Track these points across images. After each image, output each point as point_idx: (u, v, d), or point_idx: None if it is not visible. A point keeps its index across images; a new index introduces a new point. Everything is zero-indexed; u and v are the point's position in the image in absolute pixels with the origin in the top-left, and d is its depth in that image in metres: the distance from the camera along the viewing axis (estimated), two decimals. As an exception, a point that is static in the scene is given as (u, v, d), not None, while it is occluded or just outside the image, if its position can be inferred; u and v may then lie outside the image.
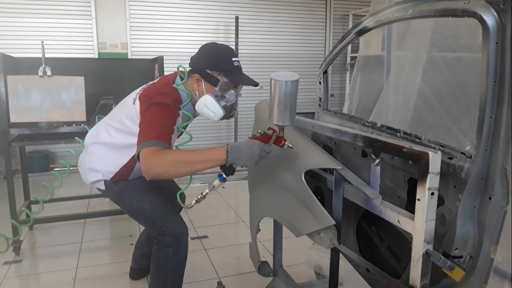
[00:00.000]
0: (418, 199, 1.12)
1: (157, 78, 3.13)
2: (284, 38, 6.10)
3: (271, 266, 2.21)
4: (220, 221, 3.48)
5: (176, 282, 1.93)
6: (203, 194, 1.58)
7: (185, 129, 1.84)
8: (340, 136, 1.49)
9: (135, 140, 1.61)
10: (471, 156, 1.16)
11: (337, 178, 1.47)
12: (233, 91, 1.72)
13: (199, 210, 3.69)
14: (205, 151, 1.48)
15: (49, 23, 5.04)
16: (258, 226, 1.96)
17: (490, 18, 1.09)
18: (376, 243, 1.74)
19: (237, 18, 5.49)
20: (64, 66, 3.04)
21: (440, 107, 2.89)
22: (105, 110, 2.68)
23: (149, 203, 1.86)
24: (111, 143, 1.87)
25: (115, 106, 2.15)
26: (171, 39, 5.46)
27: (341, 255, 1.60)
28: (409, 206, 1.34)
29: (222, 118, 1.74)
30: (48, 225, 3.31)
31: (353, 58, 6.23)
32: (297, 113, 1.48)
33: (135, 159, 1.61)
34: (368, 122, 1.72)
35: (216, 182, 1.53)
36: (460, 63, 2.95)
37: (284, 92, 1.36)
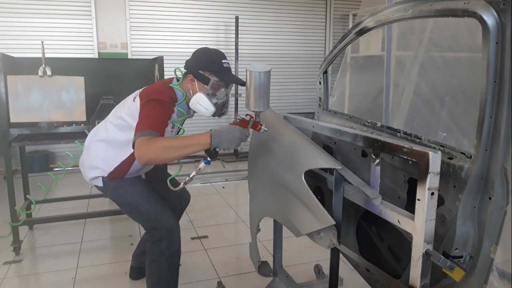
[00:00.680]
0: (418, 199, 1.12)
1: (157, 78, 3.16)
2: (284, 38, 6.10)
3: (271, 266, 2.21)
4: (220, 221, 3.48)
5: (171, 274, 1.98)
6: (191, 176, 1.73)
7: (181, 125, 1.98)
8: (340, 136, 1.49)
9: (133, 136, 1.74)
10: (471, 156, 1.16)
11: (337, 178, 1.47)
12: (223, 90, 1.87)
13: (199, 210, 3.70)
14: (192, 137, 1.62)
15: (49, 23, 5.04)
16: (258, 226, 1.96)
17: (490, 18, 1.09)
18: (376, 243, 1.74)
19: (237, 18, 5.49)
20: (64, 66, 3.03)
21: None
22: (105, 110, 2.68)
23: (143, 198, 1.95)
24: (111, 139, 1.95)
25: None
26: (171, 39, 5.46)
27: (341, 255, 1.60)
28: (409, 206, 1.34)
29: (214, 115, 1.88)
30: (48, 225, 3.31)
31: (353, 58, 6.23)
32: (297, 113, 1.55)
33: (133, 156, 1.73)
34: (368, 122, 1.72)
35: (202, 165, 1.70)
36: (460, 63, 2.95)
37: (258, 82, 1.55)
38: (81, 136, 2.18)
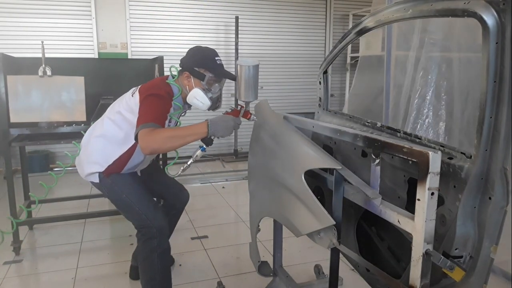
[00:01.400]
0: (418, 199, 1.12)
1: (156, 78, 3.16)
2: (284, 38, 6.10)
3: (271, 266, 2.21)
4: (220, 221, 3.48)
5: (164, 270, 2.04)
6: (188, 163, 1.85)
7: (179, 118, 2.10)
8: (340, 136, 1.49)
9: (130, 132, 1.89)
10: (471, 156, 1.16)
11: (337, 178, 1.47)
12: (217, 85, 1.98)
13: (199, 210, 3.70)
14: (190, 127, 1.76)
15: (49, 23, 5.04)
16: (258, 226, 1.96)
17: (490, 18, 1.09)
18: (376, 243, 1.74)
19: (237, 18, 5.49)
20: (64, 66, 3.03)
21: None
22: (105, 110, 2.67)
23: (137, 197, 2.01)
24: (108, 134, 2.00)
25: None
26: (171, 39, 5.46)
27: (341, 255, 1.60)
28: (409, 206, 1.34)
29: (209, 109, 2.01)
30: (48, 225, 3.31)
31: (353, 58, 6.23)
32: (297, 113, 1.58)
33: (131, 151, 1.94)
34: (368, 122, 1.72)
35: (199, 152, 1.83)
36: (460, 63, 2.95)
37: (248, 75, 1.74)
38: (81, 136, 2.19)
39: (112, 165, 1.98)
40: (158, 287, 2.03)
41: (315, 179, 1.67)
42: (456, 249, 1.20)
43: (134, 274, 2.50)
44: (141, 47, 5.41)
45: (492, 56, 1.09)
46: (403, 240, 1.53)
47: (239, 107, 1.86)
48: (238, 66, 1.76)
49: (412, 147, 1.14)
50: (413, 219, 1.15)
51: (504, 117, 1.08)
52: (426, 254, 1.12)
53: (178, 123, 2.08)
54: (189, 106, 2.07)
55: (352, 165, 1.62)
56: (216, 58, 1.97)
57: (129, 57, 5.34)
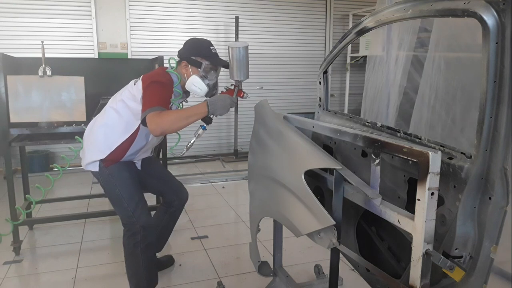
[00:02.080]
0: (418, 199, 1.12)
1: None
2: (284, 38, 6.10)
3: (271, 266, 2.21)
4: (220, 221, 3.48)
5: (147, 263, 2.12)
6: (191, 142, 2.04)
7: (179, 104, 2.22)
8: (340, 136, 1.49)
9: (132, 119, 2.02)
10: (471, 156, 1.16)
11: (337, 178, 1.47)
12: (213, 72, 2.11)
13: (199, 210, 3.70)
14: (192, 108, 1.91)
15: (49, 23, 5.04)
16: (258, 226, 1.96)
17: (490, 18, 1.09)
18: (376, 243, 1.74)
19: (237, 18, 5.49)
20: (64, 66, 3.03)
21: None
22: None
23: (128, 193, 2.09)
24: (110, 122, 2.08)
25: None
26: (171, 39, 5.46)
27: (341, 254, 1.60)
28: (409, 206, 1.34)
29: (206, 95, 2.12)
30: (48, 225, 3.31)
31: (353, 58, 6.23)
32: (297, 113, 1.57)
33: (133, 138, 2.05)
34: (368, 122, 1.72)
35: (200, 131, 2.01)
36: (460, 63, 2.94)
37: (239, 55, 1.91)
38: (81, 135, 2.20)
39: (114, 151, 2.05)
40: (143, 280, 2.13)
41: (315, 179, 1.67)
42: (456, 249, 1.20)
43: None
44: (141, 47, 5.41)
45: (492, 56, 1.09)
46: (403, 240, 1.53)
47: (233, 86, 2.05)
48: (230, 48, 1.90)
49: (412, 147, 1.14)
50: (413, 219, 1.15)
51: (504, 117, 1.08)
52: (426, 254, 1.12)
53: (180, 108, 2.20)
54: (188, 94, 2.19)
55: (352, 165, 1.62)
56: (211, 47, 2.11)
57: (129, 57, 5.34)
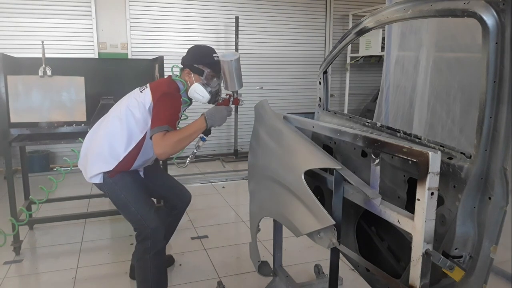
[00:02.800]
0: (418, 199, 1.12)
1: (157, 78, 3.17)
2: (284, 38, 6.10)
3: (271, 266, 2.21)
4: (220, 221, 3.48)
5: (157, 271, 2.08)
6: (193, 153, 2.15)
7: (183, 111, 2.23)
8: (340, 136, 1.49)
9: (136, 129, 2.02)
10: (470, 156, 1.16)
11: (337, 178, 1.47)
12: (215, 80, 2.11)
13: (199, 210, 3.70)
14: (192, 125, 1.97)
15: (49, 23, 5.04)
16: (258, 226, 1.96)
17: (490, 18, 1.09)
18: (376, 243, 1.74)
19: (237, 18, 5.49)
20: (64, 66, 3.03)
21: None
22: (105, 110, 2.66)
23: (134, 197, 2.07)
24: (115, 132, 2.04)
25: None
26: (171, 39, 5.46)
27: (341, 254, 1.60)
28: (409, 206, 1.34)
29: (209, 102, 2.13)
30: (48, 225, 3.31)
31: (353, 58, 6.23)
32: (297, 113, 1.59)
33: (139, 147, 2.05)
34: (368, 122, 1.72)
35: (200, 142, 2.09)
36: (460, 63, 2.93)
37: (231, 68, 1.96)
38: (82, 136, 2.20)
39: (121, 162, 2.02)
40: None
41: (315, 179, 1.67)
42: (456, 249, 1.20)
43: (134, 273, 2.49)
44: (141, 47, 5.41)
45: (492, 56, 1.09)
46: (403, 240, 1.53)
47: (227, 96, 2.09)
48: (221, 62, 1.96)
49: (412, 147, 1.14)
50: (413, 219, 1.15)
51: (504, 117, 1.08)
52: (426, 254, 1.12)
53: (185, 117, 2.24)
54: (191, 100, 2.18)
55: (352, 165, 1.62)
56: (214, 55, 2.10)
57: (129, 57, 5.34)
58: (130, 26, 5.36)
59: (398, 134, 1.49)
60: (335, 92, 6.57)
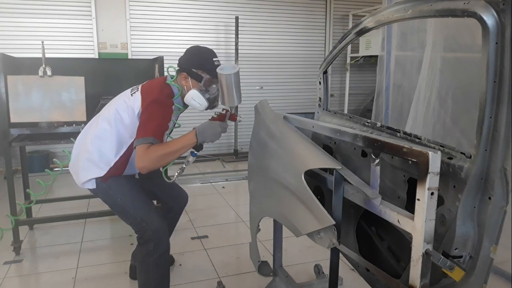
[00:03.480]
0: (418, 199, 1.12)
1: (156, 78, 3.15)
2: (284, 38, 6.10)
3: (271, 266, 2.21)
4: (220, 221, 3.48)
5: (159, 275, 2.00)
6: (182, 168, 1.95)
7: (176, 119, 2.10)
8: (340, 136, 1.49)
9: (124, 133, 1.93)
10: (470, 156, 1.16)
11: (337, 178, 1.47)
12: (214, 86, 1.98)
13: (199, 210, 3.70)
14: (180, 140, 1.83)
15: (49, 23, 5.04)
16: (258, 226, 1.96)
17: (490, 18, 1.09)
18: (376, 243, 1.74)
19: (237, 18, 5.49)
20: (64, 66, 3.04)
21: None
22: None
23: (131, 199, 2.00)
24: (104, 136, 1.97)
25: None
26: (171, 39, 5.46)
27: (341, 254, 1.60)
28: (409, 206, 1.34)
29: (206, 109, 2.02)
30: (48, 225, 3.31)
31: (353, 58, 6.23)
32: (297, 113, 1.57)
33: (130, 151, 1.95)
34: (368, 122, 1.72)
35: (190, 158, 1.93)
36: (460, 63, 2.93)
37: (230, 82, 1.78)
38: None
39: (113, 167, 1.96)
40: None
41: (315, 179, 1.67)
42: (456, 249, 1.20)
43: (134, 273, 2.49)
44: (141, 47, 5.41)
45: (492, 56, 1.09)
46: (403, 240, 1.53)
47: (224, 111, 1.91)
48: (219, 74, 1.78)
49: (412, 147, 1.14)
50: (413, 219, 1.15)
51: (504, 117, 1.08)
52: (426, 254, 1.12)
53: (178, 125, 2.11)
54: (187, 106, 2.05)
55: (352, 165, 1.62)
56: (214, 59, 1.96)
57: (129, 57, 5.34)
58: (130, 26, 5.36)
59: (398, 134, 1.49)
60: (335, 92, 6.56)
